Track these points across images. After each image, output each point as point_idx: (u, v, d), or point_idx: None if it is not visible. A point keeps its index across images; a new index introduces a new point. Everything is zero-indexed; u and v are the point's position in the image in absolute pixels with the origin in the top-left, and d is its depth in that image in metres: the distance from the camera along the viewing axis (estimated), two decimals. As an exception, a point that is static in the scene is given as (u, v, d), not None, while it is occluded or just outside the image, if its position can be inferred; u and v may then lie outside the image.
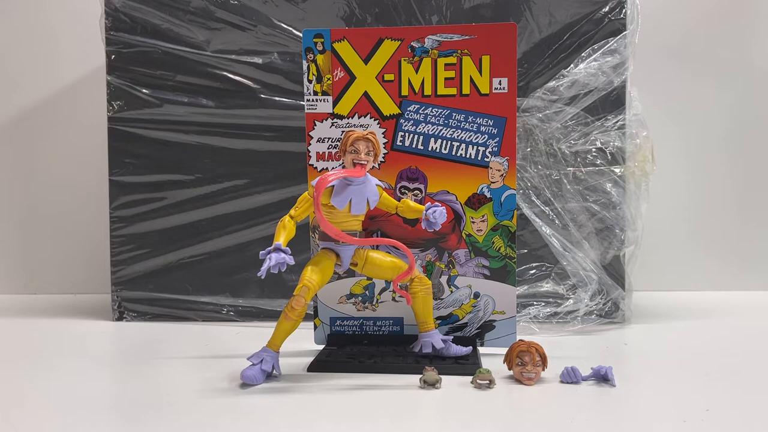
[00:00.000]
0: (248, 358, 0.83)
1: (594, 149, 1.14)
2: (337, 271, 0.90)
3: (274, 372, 0.84)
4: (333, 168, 0.94)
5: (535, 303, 1.15)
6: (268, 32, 1.19)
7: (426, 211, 0.89)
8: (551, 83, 1.14)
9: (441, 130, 0.94)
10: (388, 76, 0.94)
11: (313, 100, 0.95)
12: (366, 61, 0.94)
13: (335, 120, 0.95)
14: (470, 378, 0.81)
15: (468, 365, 0.86)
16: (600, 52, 1.13)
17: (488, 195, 0.95)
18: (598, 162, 1.15)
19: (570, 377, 0.81)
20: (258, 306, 1.22)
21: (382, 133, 0.95)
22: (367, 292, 0.98)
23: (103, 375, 0.90)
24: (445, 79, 0.94)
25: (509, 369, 0.83)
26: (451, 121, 0.94)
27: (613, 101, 1.15)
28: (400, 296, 0.95)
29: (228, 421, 0.69)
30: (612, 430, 0.68)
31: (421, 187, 0.95)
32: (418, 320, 0.91)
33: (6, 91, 1.55)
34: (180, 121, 1.21)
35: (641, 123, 1.15)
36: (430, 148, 0.94)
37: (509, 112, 0.93)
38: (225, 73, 1.20)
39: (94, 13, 1.24)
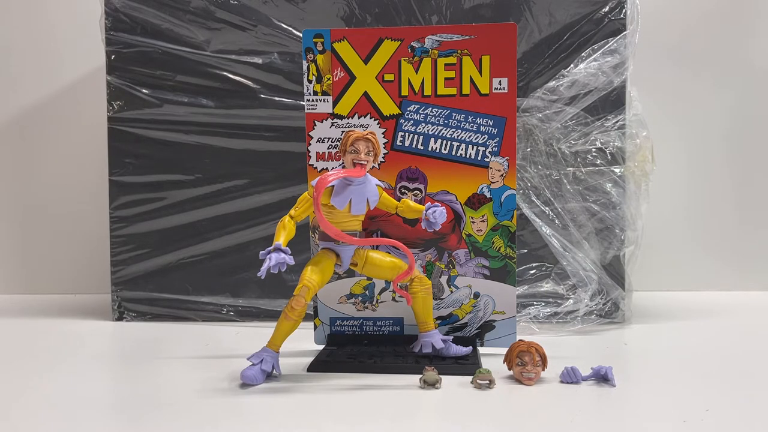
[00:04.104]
0: (248, 358, 0.83)
1: (594, 149, 1.14)
2: (337, 271, 0.90)
3: (274, 372, 0.84)
4: (333, 168, 0.94)
5: (535, 303, 1.15)
6: (268, 32, 1.19)
7: (426, 211, 0.89)
8: (551, 83, 1.14)
9: (441, 130, 0.94)
10: (388, 76, 0.94)
11: (313, 100, 0.95)
12: (366, 61, 0.94)
13: (335, 120, 0.95)
14: (470, 378, 0.81)
15: (468, 365, 0.86)
16: (600, 52, 1.13)
17: (488, 195, 0.95)
18: (598, 162, 1.15)
19: (570, 377, 0.81)
20: (258, 306, 1.22)
21: (382, 133, 0.95)
22: (367, 292, 0.98)
23: (103, 375, 0.90)
24: (445, 79, 0.94)
25: (509, 369, 0.83)
26: (451, 121, 0.94)
27: (613, 101, 1.15)
28: (400, 296, 0.95)
29: (228, 421, 0.69)
30: (612, 430, 0.68)
31: (421, 187, 0.95)
32: (418, 320, 0.91)
33: (6, 91, 1.55)
34: (180, 121, 1.21)
35: (641, 123, 1.15)
36: (430, 148, 0.94)
37: (509, 112, 0.93)
38: (225, 73, 1.20)
39: (94, 13, 1.24)
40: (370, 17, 1.18)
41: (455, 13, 1.17)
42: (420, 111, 0.94)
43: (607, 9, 1.15)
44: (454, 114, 0.94)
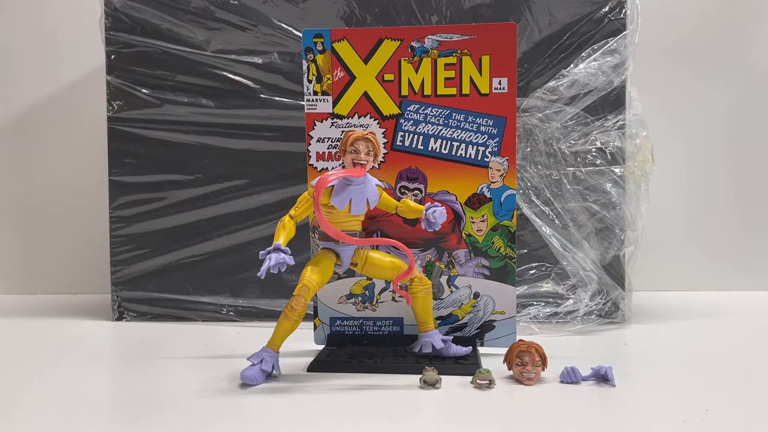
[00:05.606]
0: (248, 358, 0.83)
1: (594, 149, 1.14)
2: (337, 271, 0.90)
3: (274, 372, 0.84)
4: (333, 168, 0.94)
5: (535, 303, 1.15)
6: (268, 32, 1.19)
7: (426, 211, 0.89)
8: (551, 83, 1.14)
9: (441, 130, 0.94)
10: (388, 76, 0.94)
11: (313, 100, 0.95)
12: (366, 61, 0.94)
13: (335, 120, 0.95)
14: (470, 378, 0.81)
15: (468, 365, 0.86)
16: (600, 52, 1.13)
17: (488, 195, 0.95)
18: (598, 162, 1.15)
19: (570, 377, 0.81)
20: (258, 306, 1.22)
21: (382, 133, 0.95)
22: (367, 292, 0.98)
23: (103, 375, 0.90)
24: (445, 79, 0.94)
25: (509, 369, 0.83)
26: (451, 121, 0.94)
27: (613, 101, 1.15)
28: (400, 296, 0.95)
29: (228, 421, 0.69)
30: (612, 430, 0.68)
31: (421, 187, 0.95)
32: (417, 320, 0.91)
33: (6, 92, 1.55)
34: (180, 121, 1.21)
35: (641, 123, 1.15)
36: (430, 148, 0.94)
37: (509, 112, 0.93)
38: (225, 73, 1.20)
39: (94, 13, 1.24)
40: (370, 17, 1.18)
41: (455, 13, 1.17)
42: (420, 111, 0.94)
43: (607, 9, 1.15)
44: (454, 114, 0.94)
